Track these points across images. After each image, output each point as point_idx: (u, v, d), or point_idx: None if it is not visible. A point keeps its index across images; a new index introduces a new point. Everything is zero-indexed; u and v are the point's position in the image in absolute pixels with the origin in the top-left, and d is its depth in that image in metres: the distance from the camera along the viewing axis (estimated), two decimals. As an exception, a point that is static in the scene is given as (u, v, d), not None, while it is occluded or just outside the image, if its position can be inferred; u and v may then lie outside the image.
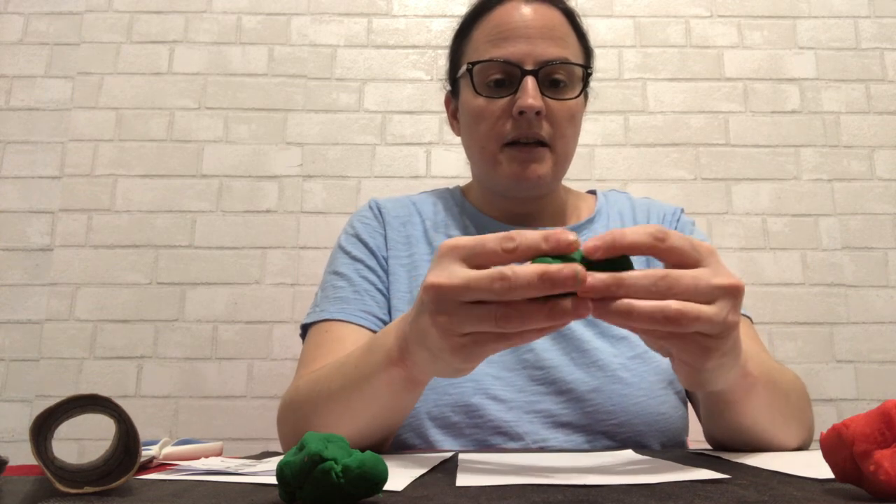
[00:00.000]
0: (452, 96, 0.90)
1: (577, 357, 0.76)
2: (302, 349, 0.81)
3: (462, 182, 0.98)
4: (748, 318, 0.82)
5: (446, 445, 0.73)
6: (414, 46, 1.66)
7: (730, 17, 1.68)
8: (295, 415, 0.69)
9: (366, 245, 0.85)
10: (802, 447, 0.66)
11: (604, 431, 0.74)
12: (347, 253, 0.85)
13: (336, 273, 0.84)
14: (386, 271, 0.84)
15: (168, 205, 1.57)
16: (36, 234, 1.54)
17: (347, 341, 0.75)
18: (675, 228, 0.87)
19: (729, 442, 0.64)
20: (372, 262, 0.84)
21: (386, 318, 0.80)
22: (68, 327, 1.50)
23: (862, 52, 1.66)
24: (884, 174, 1.59)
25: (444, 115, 1.58)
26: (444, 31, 1.65)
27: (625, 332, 0.78)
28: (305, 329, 0.82)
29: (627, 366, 0.76)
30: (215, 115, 1.62)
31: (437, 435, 0.73)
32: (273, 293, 1.53)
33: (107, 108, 1.61)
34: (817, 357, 1.51)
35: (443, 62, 1.68)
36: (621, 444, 0.73)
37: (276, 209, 1.57)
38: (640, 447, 0.73)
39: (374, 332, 0.78)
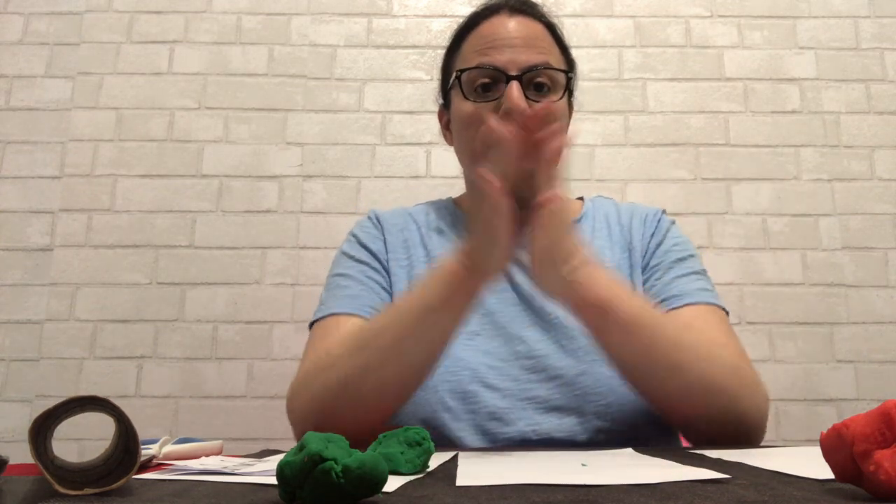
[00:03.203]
0: (445, 109, 0.95)
1: (567, 344, 0.81)
2: (308, 341, 0.84)
3: (461, 183, 0.99)
4: (723, 309, 0.84)
5: (448, 426, 0.77)
6: (414, 46, 1.66)
7: (730, 17, 1.68)
8: (326, 375, 0.72)
9: (368, 249, 0.90)
10: (690, 413, 0.72)
11: (594, 412, 0.77)
12: (351, 257, 0.90)
13: (340, 275, 0.88)
14: (387, 271, 0.88)
15: (168, 205, 1.57)
16: (36, 234, 1.54)
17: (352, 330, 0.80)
18: (655, 228, 0.92)
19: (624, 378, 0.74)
20: (375, 264, 0.88)
21: None
22: (68, 327, 1.50)
23: (862, 52, 1.66)
24: (884, 174, 1.59)
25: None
26: (444, 30, 1.65)
27: None
28: (312, 327, 0.85)
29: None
30: (215, 115, 1.62)
31: (442, 412, 0.78)
32: (273, 293, 1.53)
33: (107, 108, 1.61)
34: (817, 357, 1.51)
35: (443, 62, 1.67)
36: (611, 424, 0.77)
37: (276, 209, 1.57)
38: (629, 427, 0.77)
39: None
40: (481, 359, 0.80)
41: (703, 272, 0.87)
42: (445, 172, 1.58)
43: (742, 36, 1.67)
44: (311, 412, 0.73)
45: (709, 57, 1.66)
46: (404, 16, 1.68)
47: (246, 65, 1.64)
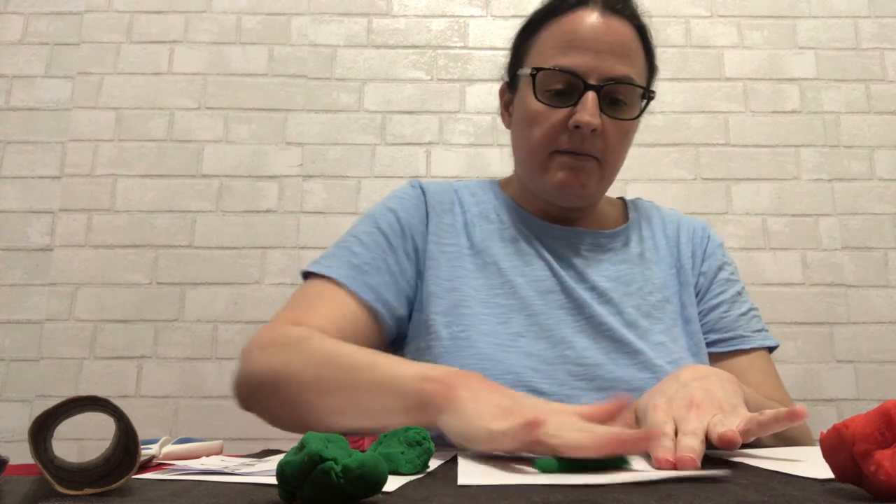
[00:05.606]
0: (508, 88, 0.89)
1: (618, 358, 0.78)
2: (297, 289, 0.80)
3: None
4: (767, 348, 0.85)
5: None
6: (414, 46, 1.66)
7: (730, 17, 1.68)
8: (285, 359, 0.72)
9: (399, 221, 0.83)
10: None
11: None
12: (376, 223, 0.83)
13: (357, 237, 0.82)
14: (417, 252, 0.83)
15: (168, 205, 1.57)
16: (36, 234, 1.54)
17: (342, 307, 0.77)
18: (706, 249, 0.89)
19: None
20: (396, 242, 0.82)
21: (390, 298, 0.79)
22: (68, 327, 1.50)
23: (862, 52, 1.66)
24: (884, 174, 1.59)
25: (444, 114, 1.59)
26: (444, 30, 1.65)
27: (663, 338, 0.81)
28: (307, 275, 0.81)
29: (666, 369, 0.77)
30: (215, 115, 1.62)
31: None
32: (273, 293, 1.53)
33: (107, 108, 1.61)
34: (817, 357, 1.51)
35: (443, 62, 1.68)
36: None
37: (276, 209, 1.57)
38: None
39: (374, 308, 0.78)
40: (525, 361, 0.76)
41: (753, 305, 0.88)
42: (446, 172, 1.58)
43: (742, 36, 1.67)
44: (249, 380, 0.74)
45: (709, 57, 1.66)
46: (404, 16, 1.68)
47: (246, 65, 1.64)
